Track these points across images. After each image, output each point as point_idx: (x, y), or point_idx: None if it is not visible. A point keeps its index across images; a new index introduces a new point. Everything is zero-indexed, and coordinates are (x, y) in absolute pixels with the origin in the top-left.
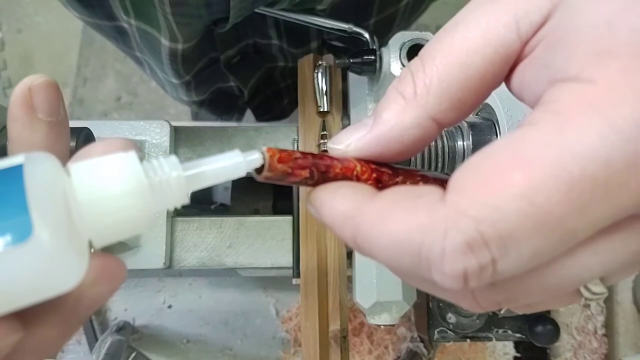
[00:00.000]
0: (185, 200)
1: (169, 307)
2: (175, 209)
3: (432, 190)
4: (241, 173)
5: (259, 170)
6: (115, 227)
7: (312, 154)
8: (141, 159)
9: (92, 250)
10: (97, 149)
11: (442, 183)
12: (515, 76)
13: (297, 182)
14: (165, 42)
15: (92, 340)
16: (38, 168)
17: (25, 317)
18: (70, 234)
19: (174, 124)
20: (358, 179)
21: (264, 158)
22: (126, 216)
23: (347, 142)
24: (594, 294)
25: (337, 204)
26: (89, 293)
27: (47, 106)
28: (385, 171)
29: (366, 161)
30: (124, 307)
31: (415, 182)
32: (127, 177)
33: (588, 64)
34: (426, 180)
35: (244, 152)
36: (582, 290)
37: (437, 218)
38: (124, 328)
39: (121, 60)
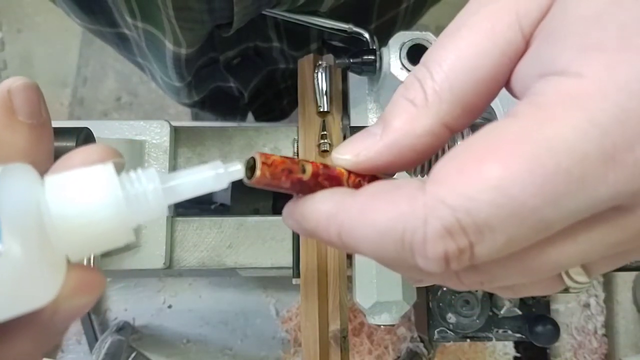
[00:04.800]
0: (163, 213)
1: (169, 307)
2: (175, 209)
3: (410, 181)
4: (223, 185)
5: (250, 175)
6: (90, 242)
7: (304, 162)
8: (122, 167)
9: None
10: (76, 158)
11: None
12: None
13: (286, 189)
14: (169, 45)
15: (92, 340)
16: (12, 181)
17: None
18: (43, 249)
19: (174, 124)
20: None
21: (255, 163)
22: (101, 230)
23: (357, 152)
24: (578, 283)
25: (320, 206)
26: (65, 306)
27: (27, 108)
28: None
29: (354, 172)
30: (124, 307)
31: None
32: (102, 191)
33: (576, 58)
34: None
35: (225, 164)
36: (565, 278)
37: (417, 206)
38: (124, 328)
39: (121, 61)
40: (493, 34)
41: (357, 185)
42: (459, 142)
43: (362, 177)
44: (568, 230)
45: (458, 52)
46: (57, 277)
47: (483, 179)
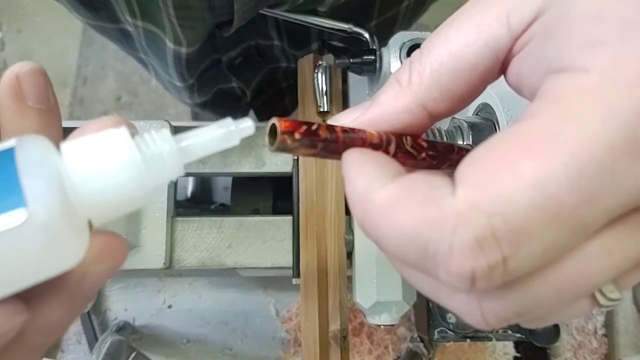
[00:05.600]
0: (181, 172)
1: (169, 307)
2: (175, 209)
3: (445, 183)
4: (235, 141)
5: (272, 142)
6: (111, 204)
7: (328, 126)
8: (133, 135)
9: (92, 228)
10: (89, 128)
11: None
12: (512, 70)
13: (311, 154)
14: (170, 44)
15: (92, 340)
16: (30, 150)
17: (30, 298)
18: (66, 212)
19: (174, 123)
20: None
21: (277, 128)
22: (121, 192)
23: (343, 122)
24: (611, 300)
25: (357, 181)
26: (92, 271)
27: (36, 93)
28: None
29: (398, 134)
30: (124, 307)
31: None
32: (119, 153)
33: (580, 54)
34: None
35: (236, 120)
36: (599, 296)
37: (446, 212)
38: (124, 328)
39: (121, 60)
40: (479, 25)
41: (388, 143)
42: (459, 143)
43: (387, 140)
44: (598, 239)
45: (446, 39)
46: (82, 240)
47: (519, 178)
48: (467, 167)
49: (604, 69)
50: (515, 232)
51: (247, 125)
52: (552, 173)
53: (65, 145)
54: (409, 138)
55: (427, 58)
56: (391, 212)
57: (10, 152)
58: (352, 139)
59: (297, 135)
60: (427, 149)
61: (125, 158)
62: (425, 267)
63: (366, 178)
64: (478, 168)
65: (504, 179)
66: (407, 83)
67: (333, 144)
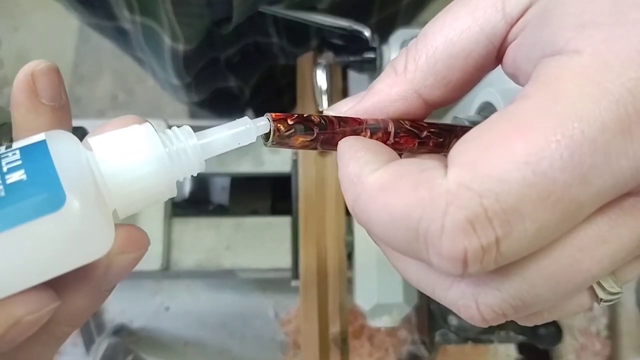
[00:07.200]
0: (202, 167)
1: (167, 309)
2: (173, 210)
3: (437, 166)
4: (252, 139)
5: (267, 136)
6: (138, 196)
7: (321, 117)
8: (156, 131)
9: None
10: (112, 124)
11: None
12: (508, 58)
13: (306, 146)
14: (167, 41)
15: (89, 342)
16: (60, 142)
17: (59, 286)
18: (98, 202)
19: (171, 123)
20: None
21: (270, 124)
22: (148, 184)
23: (340, 111)
24: (610, 293)
25: (349, 166)
26: (117, 261)
27: (49, 91)
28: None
29: (403, 121)
30: (121, 308)
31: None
32: (146, 147)
33: (573, 36)
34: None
35: (252, 119)
36: (597, 289)
37: (438, 193)
38: (121, 330)
39: (118, 59)
40: (475, 10)
41: (385, 133)
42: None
43: (382, 130)
44: (593, 226)
45: (442, 26)
46: (111, 231)
47: (511, 156)
48: (459, 149)
49: (596, 49)
50: (507, 212)
51: (263, 123)
52: (544, 151)
53: (93, 139)
54: (407, 120)
55: (422, 45)
56: (382, 194)
57: (42, 144)
58: (347, 121)
59: (290, 121)
60: (428, 127)
61: (151, 152)
62: (417, 251)
63: (359, 162)
64: (470, 149)
65: (496, 159)
66: (402, 70)
67: (329, 128)
